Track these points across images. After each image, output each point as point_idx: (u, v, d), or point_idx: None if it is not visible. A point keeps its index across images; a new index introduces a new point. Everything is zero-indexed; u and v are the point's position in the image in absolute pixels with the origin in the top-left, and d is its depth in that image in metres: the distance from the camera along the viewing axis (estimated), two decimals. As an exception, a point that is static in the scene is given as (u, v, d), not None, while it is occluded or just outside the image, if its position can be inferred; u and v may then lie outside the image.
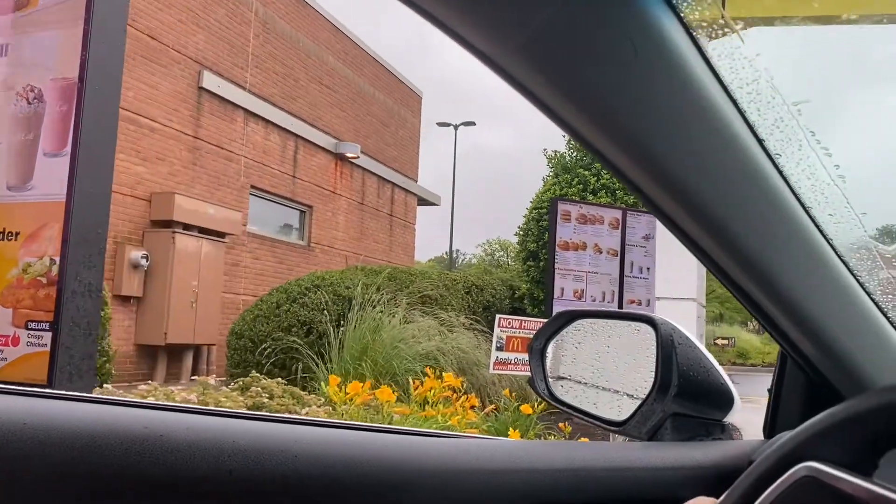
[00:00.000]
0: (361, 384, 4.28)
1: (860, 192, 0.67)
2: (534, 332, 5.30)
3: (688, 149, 0.63)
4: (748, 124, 0.65)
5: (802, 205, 0.68)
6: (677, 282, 7.60)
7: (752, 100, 0.64)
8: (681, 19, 0.59)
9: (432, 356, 6.44)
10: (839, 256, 0.69)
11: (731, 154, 0.64)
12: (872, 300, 0.71)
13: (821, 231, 0.69)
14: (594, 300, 6.28)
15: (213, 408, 0.71)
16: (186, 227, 9.84)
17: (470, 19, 0.57)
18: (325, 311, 6.95)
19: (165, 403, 0.70)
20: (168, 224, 9.59)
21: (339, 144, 14.21)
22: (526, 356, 5.42)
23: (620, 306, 6.36)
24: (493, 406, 5.57)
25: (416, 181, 17.96)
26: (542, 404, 5.11)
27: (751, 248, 0.66)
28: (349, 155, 14.32)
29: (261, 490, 0.63)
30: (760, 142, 0.66)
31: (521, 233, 11.92)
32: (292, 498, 0.64)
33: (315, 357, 6.51)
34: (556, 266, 6.24)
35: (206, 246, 10.13)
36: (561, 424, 5.06)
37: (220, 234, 10.55)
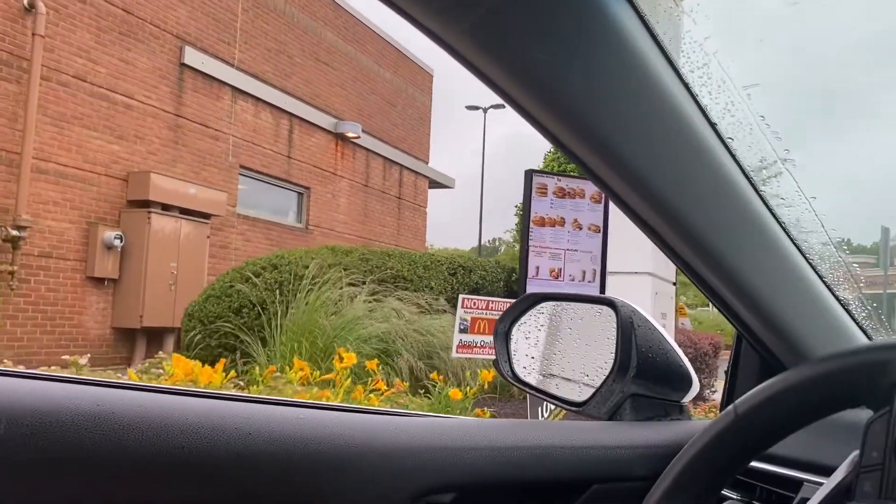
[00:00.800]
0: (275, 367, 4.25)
1: (809, 176, 0.68)
2: (500, 311, 5.18)
3: (638, 131, 0.64)
4: (700, 108, 0.66)
5: (754, 187, 0.69)
6: (630, 254, 6.32)
7: (703, 83, 0.65)
8: (631, 2, 0.60)
9: (389, 339, 6.14)
10: (789, 237, 0.71)
11: (682, 136, 0.65)
12: (821, 279, 0.73)
13: (771, 212, 0.70)
14: (573, 280, 5.79)
15: (165, 385, 0.72)
16: (166, 207, 9.60)
17: (422, 1, 0.57)
18: (278, 292, 6.53)
19: (117, 381, 0.71)
20: (145, 204, 9.33)
21: (339, 124, 13.72)
22: (492, 339, 5.31)
23: (603, 286, 5.87)
24: (398, 386, 5.12)
25: (427, 163, 17.61)
26: (474, 389, 5.06)
27: (701, 229, 0.67)
28: (350, 135, 13.84)
29: (214, 467, 0.64)
30: (713, 125, 0.67)
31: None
32: (246, 475, 0.65)
33: (258, 340, 6.23)
34: (531, 244, 5.79)
35: (186, 227, 9.81)
36: (479, 411, 5.04)
37: (205, 215, 10.31)
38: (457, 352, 5.60)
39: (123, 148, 9.56)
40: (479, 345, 5.58)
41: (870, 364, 0.51)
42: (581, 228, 5.94)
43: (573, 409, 0.90)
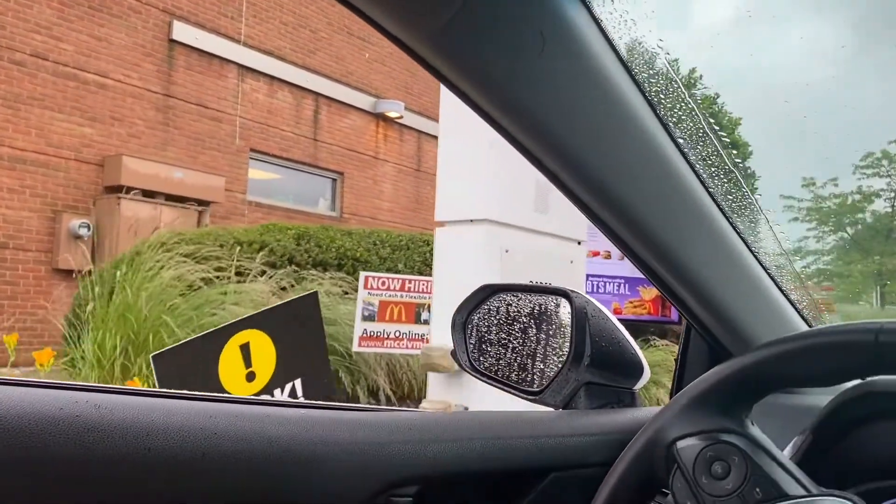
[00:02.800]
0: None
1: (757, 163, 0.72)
2: (420, 293, 4.89)
3: (588, 128, 0.66)
4: (650, 105, 0.69)
5: (702, 182, 0.73)
6: (465, 199, 4.15)
7: (654, 82, 0.68)
8: (590, 11, 0.62)
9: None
10: (735, 230, 0.75)
11: (631, 132, 0.68)
12: (765, 270, 0.77)
13: (718, 207, 0.74)
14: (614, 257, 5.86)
15: (125, 387, 0.72)
16: (148, 193, 8.81)
17: (384, 4, 0.58)
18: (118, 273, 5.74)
19: (78, 384, 0.70)
20: (118, 189, 8.64)
21: (379, 103, 12.31)
22: (409, 328, 4.84)
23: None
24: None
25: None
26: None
27: (650, 222, 0.71)
28: (391, 114, 12.41)
29: (181, 467, 0.65)
30: (665, 126, 0.70)
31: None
32: (213, 474, 0.66)
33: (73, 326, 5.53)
34: None
35: (168, 214, 9.03)
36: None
37: (201, 202, 9.55)
38: (359, 345, 4.64)
39: (98, 131, 8.83)
40: (391, 336, 4.69)
41: (646, 445, 0.64)
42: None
43: (529, 397, 0.93)
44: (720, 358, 0.81)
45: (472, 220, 3.91)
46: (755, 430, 0.62)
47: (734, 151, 0.71)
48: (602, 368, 0.88)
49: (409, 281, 4.95)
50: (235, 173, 10.47)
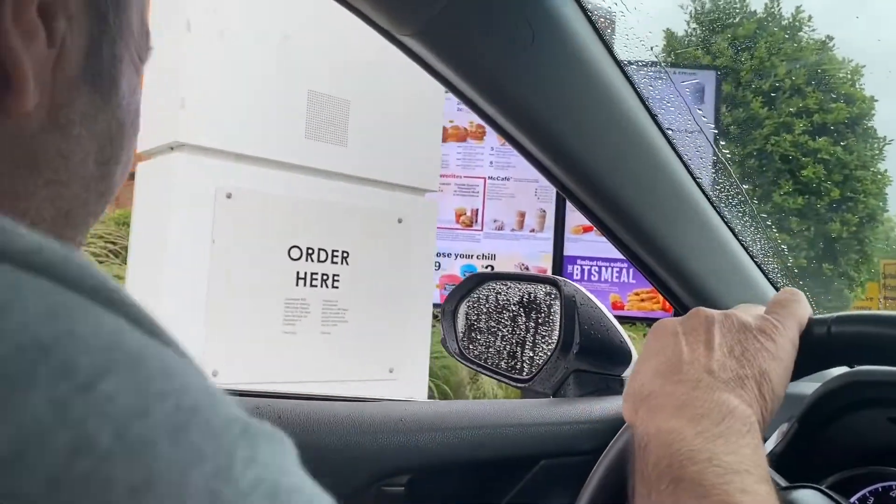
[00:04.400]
0: None
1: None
2: None
3: (584, 124, 0.67)
4: (642, 101, 0.69)
5: (677, 154, 0.73)
6: (175, 114, 2.19)
7: (644, 76, 0.69)
8: (579, 2, 0.62)
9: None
10: (709, 200, 0.75)
11: (625, 128, 0.69)
12: (738, 240, 0.78)
13: (708, 199, 0.74)
14: (501, 228, 3.57)
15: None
16: None
17: (375, 1, 0.58)
18: None
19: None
20: None
21: None
22: None
23: (560, 237, 3.54)
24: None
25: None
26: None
27: (640, 215, 0.71)
28: None
29: None
30: (653, 117, 0.71)
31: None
32: None
33: None
34: None
35: None
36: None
37: None
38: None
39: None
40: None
41: None
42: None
43: (519, 385, 0.94)
44: None
45: (171, 147, 2.27)
46: None
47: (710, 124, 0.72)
48: (591, 356, 0.89)
49: None
50: None
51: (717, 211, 0.76)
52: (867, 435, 0.63)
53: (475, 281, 1.03)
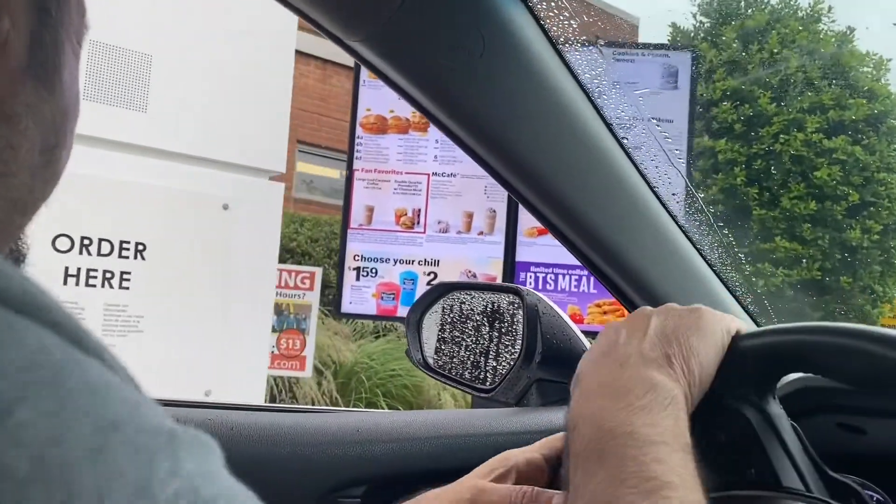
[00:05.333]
0: None
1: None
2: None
3: (537, 133, 0.73)
4: (598, 111, 0.75)
5: (645, 179, 0.79)
6: None
7: (598, 85, 0.75)
8: (532, 11, 0.68)
9: None
10: (678, 226, 0.82)
11: (579, 138, 0.75)
12: (710, 266, 0.84)
13: (661, 203, 0.80)
14: (445, 230, 3.38)
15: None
16: None
17: (323, 4, 0.64)
18: None
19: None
20: None
21: None
22: None
23: (512, 241, 3.36)
24: None
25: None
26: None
27: (593, 220, 0.78)
28: None
29: None
30: (609, 126, 0.77)
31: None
32: None
33: None
34: (357, 160, 3.41)
35: None
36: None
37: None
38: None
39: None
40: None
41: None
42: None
43: (483, 395, 1.00)
44: None
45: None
46: (777, 410, 0.63)
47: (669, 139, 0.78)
48: (553, 365, 0.95)
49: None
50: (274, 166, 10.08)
51: (672, 216, 0.82)
52: (816, 441, 0.68)
53: (440, 291, 1.09)
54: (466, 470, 0.86)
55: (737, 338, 0.59)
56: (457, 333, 1.07)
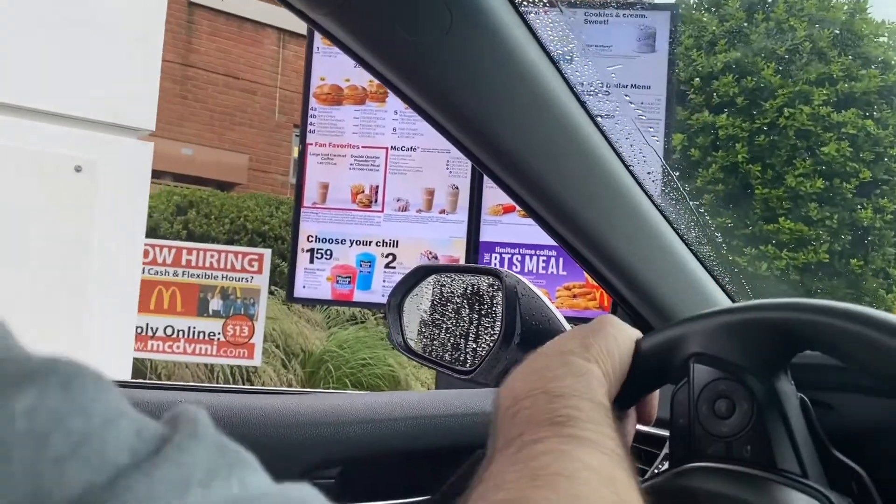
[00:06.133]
0: None
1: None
2: (206, 269, 4.08)
3: (508, 108, 0.77)
4: (570, 88, 0.80)
5: (621, 159, 0.84)
6: None
7: (574, 66, 0.80)
8: None
9: None
10: (654, 204, 0.87)
11: (552, 114, 0.79)
12: (686, 245, 0.90)
13: (638, 183, 0.86)
14: (405, 209, 3.35)
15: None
16: (156, 174, 8.77)
17: None
18: None
19: None
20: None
21: None
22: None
23: (476, 220, 3.29)
24: None
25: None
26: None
27: (570, 202, 0.82)
28: None
29: None
30: (583, 104, 0.82)
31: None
32: None
33: None
34: (311, 134, 3.38)
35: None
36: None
37: (223, 184, 9.16)
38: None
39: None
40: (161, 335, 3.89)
41: (666, 342, 0.67)
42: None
43: (462, 377, 1.05)
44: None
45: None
46: (785, 387, 0.63)
47: (650, 128, 0.83)
48: (533, 347, 1.00)
49: (189, 251, 4.08)
50: (274, 152, 10.11)
51: (649, 198, 0.88)
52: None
53: (420, 274, 1.14)
54: (440, 450, 0.92)
55: (751, 308, 0.63)
56: (437, 316, 1.12)
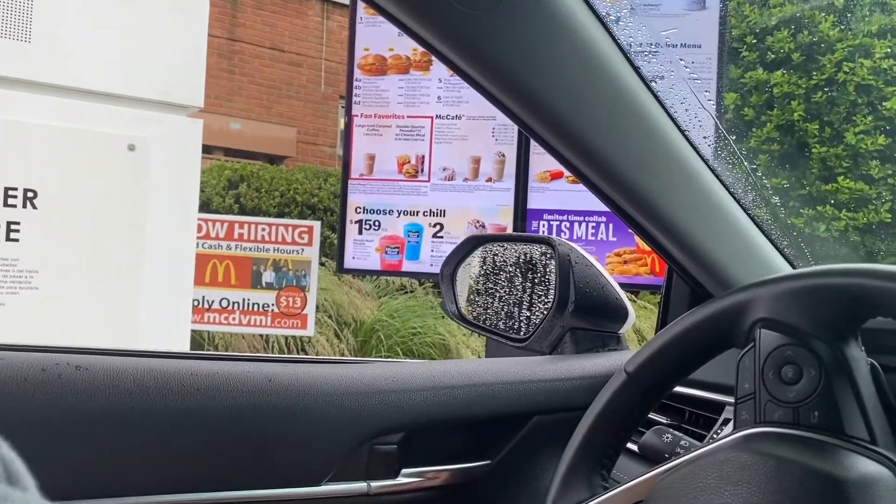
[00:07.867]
0: None
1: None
2: (259, 243, 4.16)
3: (563, 80, 0.78)
4: (623, 53, 0.80)
5: (677, 125, 0.85)
6: None
7: (624, 27, 0.80)
8: None
9: None
10: (711, 170, 0.87)
11: (606, 83, 0.80)
12: (744, 210, 0.90)
13: (694, 149, 0.86)
14: (451, 178, 3.34)
15: (105, 347, 0.86)
16: (206, 149, 9.03)
17: None
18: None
19: (57, 346, 0.83)
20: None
21: None
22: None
23: (523, 187, 3.24)
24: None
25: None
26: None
27: (625, 168, 0.83)
28: None
29: (165, 425, 0.79)
30: (636, 69, 0.82)
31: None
32: (199, 431, 0.80)
33: None
34: (356, 105, 3.41)
35: None
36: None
37: (273, 157, 9.36)
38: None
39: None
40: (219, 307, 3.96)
41: (731, 307, 0.68)
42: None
43: (517, 345, 1.08)
44: (702, 299, 0.94)
45: None
46: (855, 353, 0.63)
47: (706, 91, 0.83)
48: (587, 314, 1.02)
49: (241, 225, 4.08)
50: (321, 124, 10.22)
51: (707, 164, 0.88)
52: None
53: (472, 244, 1.16)
54: (498, 416, 0.94)
55: (818, 273, 0.63)
56: (490, 285, 1.14)
